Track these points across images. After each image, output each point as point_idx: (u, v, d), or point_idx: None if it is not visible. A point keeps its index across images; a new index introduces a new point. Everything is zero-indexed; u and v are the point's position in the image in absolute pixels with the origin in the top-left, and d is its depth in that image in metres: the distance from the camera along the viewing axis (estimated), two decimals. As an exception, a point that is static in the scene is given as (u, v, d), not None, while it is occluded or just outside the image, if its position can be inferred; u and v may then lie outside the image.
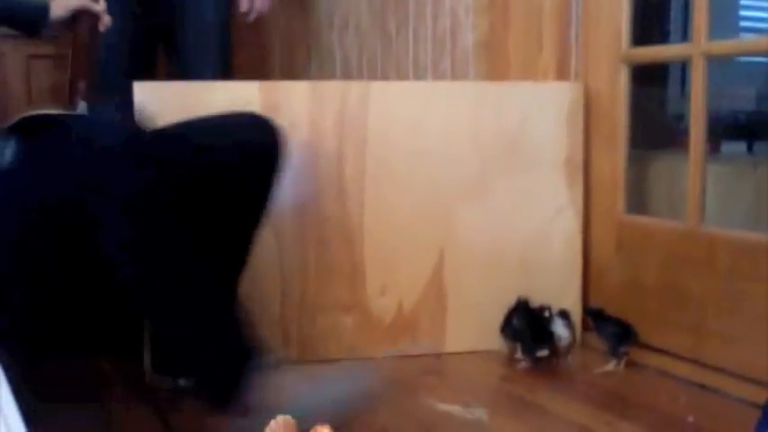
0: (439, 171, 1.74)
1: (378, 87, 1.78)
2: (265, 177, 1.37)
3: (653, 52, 1.92)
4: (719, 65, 1.81)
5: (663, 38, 2.55)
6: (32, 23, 1.57)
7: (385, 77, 2.48)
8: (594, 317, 1.68)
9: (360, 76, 2.61)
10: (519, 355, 1.67)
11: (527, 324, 1.67)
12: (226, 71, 2.33)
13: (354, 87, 1.73)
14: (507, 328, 1.70)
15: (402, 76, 2.39)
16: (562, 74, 1.87)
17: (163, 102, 1.65)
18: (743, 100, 2.81)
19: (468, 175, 1.75)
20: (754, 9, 3.27)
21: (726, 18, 3.01)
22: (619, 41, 1.77)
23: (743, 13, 3.28)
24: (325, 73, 2.84)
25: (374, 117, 1.71)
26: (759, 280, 1.45)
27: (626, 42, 1.76)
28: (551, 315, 1.68)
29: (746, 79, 2.82)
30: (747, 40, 2.39)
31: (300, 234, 1.65)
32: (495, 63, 1.99)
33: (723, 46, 1.71)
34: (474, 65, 2.07)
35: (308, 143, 1.66)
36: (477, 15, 2.05)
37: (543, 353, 1.65)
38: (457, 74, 2.14)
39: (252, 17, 2.32)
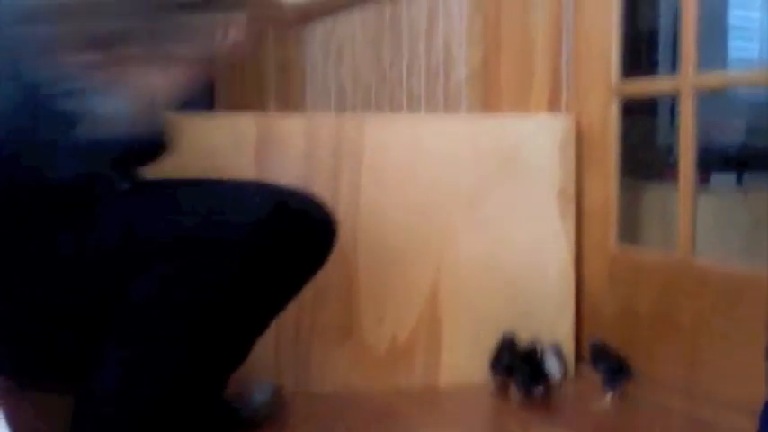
0: (432, 203, 1.75)
1: (372, 120, 1.80)
2: (316, 261, 1.30)
3: (643, 85, 1.95)
4: (709, 97, 1.83)
5: (652, 68, 2.58)
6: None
7: (379, 109, 2.50)
8: (595, 351, 1.67)
9: (354, 108, 2.63)
10: (513, 390, 1.66)
11: (521, 361, 1.66)
12: (212, 100, 2.33)
13: (349, 121, 1.75)
14: (497, 365, 1.70)
15: (396, 107, 2.41)
16: (554, 106, 1.90)
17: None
18: (732, 132, 2.84)
19: (460, 206, 1.77)
20: (743, 39, 3.31)
21: (714, 49, 3.05)
22: (609, 74, 1.79)
23: (731, 42, 3.32)
24: (319, 104, 2.87)
25: (368, 150, 1.72)
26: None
27: (616, 75, 1.79)
28: (542, 351, 1.66)
29: (736, 111, 2.84)
30: (736, 72, 2.42)
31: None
32: (487, 95, 2.01)
33: (712, 79, 1.73)
34: (467, 96, 2.09)
35: (303, 176, 1.67)
36: (469, 48, 2.07)
37: (539, 391, 1.63)
38: (450, 105, 2.16)
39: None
